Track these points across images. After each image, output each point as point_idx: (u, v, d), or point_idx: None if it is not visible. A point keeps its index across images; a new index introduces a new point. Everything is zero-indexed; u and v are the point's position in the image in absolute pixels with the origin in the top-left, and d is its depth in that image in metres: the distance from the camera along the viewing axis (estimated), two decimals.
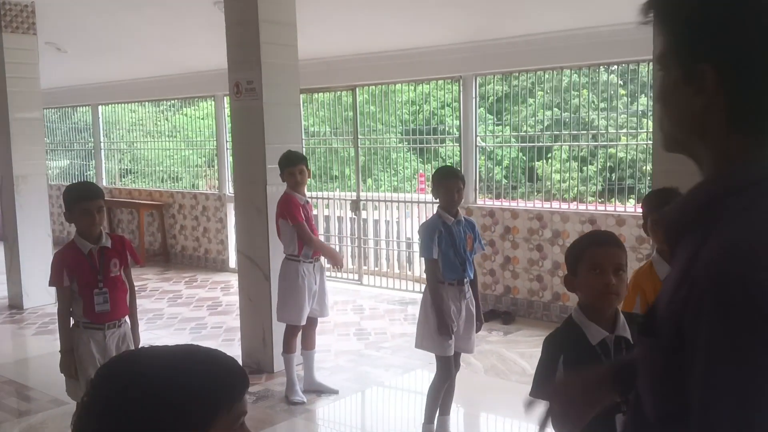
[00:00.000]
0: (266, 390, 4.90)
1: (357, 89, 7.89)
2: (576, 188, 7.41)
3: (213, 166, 10.55)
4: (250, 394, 4.83)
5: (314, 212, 5.47)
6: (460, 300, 3.78)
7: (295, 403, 4.62)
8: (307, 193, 4.96)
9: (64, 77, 10.25)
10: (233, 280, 8.71)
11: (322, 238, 8.04)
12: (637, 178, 6.71)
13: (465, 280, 3.78)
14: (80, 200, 3.50)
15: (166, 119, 11.27)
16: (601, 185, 7.01)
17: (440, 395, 3.90)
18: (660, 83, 1.16)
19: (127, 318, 3.76)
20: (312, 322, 4.83)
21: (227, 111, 9.38)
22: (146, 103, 10.85)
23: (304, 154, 4.98)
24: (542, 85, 7.05)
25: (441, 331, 3.72)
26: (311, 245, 4.64)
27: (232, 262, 9.25)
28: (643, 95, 6.90)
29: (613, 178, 6.88)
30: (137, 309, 3.90)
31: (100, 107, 11.16)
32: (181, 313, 7.11)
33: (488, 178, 7.47)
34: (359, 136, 8.00)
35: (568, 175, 8.24)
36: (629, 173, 6.85)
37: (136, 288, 3.93)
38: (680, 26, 1.09)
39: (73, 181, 10.97)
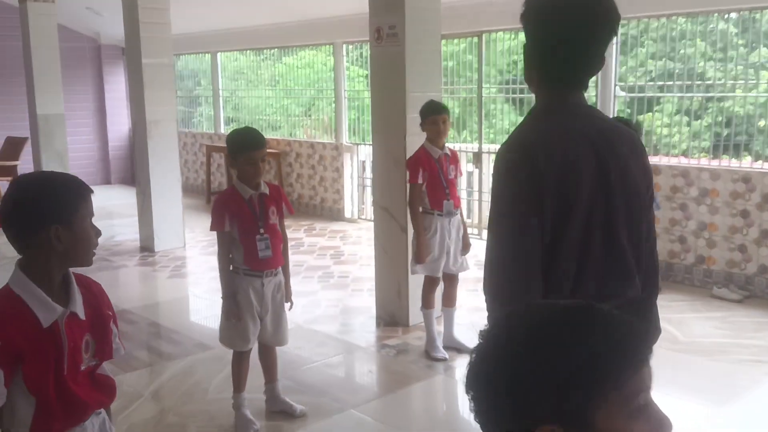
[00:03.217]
0: (405, 344, 4.84)
1: (484, 35, 7.57)
2: (685, 143, 6.96)
3: (310, 115, 10.58)
4: (389, 347, 4.82)
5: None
6: None
7: (436, 359, 4.54)
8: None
9: (185, 24, 10.36)
10: (350, 229, 8.73)
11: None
12: (751, 133, 6.24)
13: None
14: (246, 150, 3.47)
15: (274, 66, 11.30)
16: (712, 140, 6.51)
17: None
18: None
19: (280, 268, 3.74)
20: (452, 279, 4.70)
21: (346, 59, 9.28)
22: (248, 51, 10.92)
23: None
24: (650, 34, 6.59)
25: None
26: (410, 211, 4.51)
27: (348, 211, 9.26)
28: (762, 45, 6.33)
29: (725, 133, 6.34)
30: (289, 260, 3.87)
31: (219, 54, 11.26)
32: (306, 261, 7.15)
33: None
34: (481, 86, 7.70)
35: (676, 129, 7.79)
36: (744, 128, 6.31)
37: None
38: (522, 26, 1.80)
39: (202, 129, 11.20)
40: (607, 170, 1.73)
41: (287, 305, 3.77)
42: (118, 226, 9.08)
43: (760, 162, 5.94)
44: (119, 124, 12.71)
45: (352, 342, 4.94)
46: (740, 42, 7.01)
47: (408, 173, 4.55)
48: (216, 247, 3.67)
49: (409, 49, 4.91)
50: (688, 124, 7.16)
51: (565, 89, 1.80)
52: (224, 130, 11.43)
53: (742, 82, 6.16)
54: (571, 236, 1.70)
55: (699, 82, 6.35)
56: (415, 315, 5.06)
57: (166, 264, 7.19)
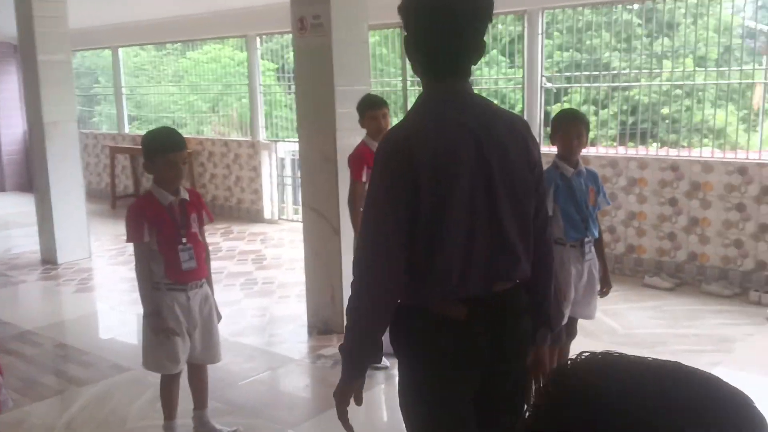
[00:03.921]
0: None
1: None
2: (593, 132, 7.09)
3: (217, 111, 10.20)
4: (324, 357, 4.51)
5: None
6: (582, 262, 3.38)
7: (376, 368, 4.27)
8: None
9: (81, 18, 9.65)
10: (271, 231, 8.35)
11: None
12: (655, 121, 6.53)
13: (587, 240, 3.37)
14: (165, 151, 3.10)
15: (177, 62, 10.75)
16: (618, 129, 6.61)
17: (553, 364, 3.53)
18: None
19: (204, 279, 3.40)
20: None
21: (260, 52, 8.87)
22: (149, 46, 10.39)
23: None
24: (558, 26, 6.73)
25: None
26: (351, 209, 4.24)
27: (267, 212, 8.87)
28: (662, 36, 6.51)
29: (630, 121, 6.47)
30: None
31: (120, 50, 10.58)
32: (226, 268, 6.73)
33: None
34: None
35: None
36: (647, 117, 6.51)
37: None
38: (404, 23, 1.86)
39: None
40: (486, 158, 1.80)
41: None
42: (16, 237, 8.37)
43: (687, 151, 5.99)
44: (13, 126, 11.79)
45: (284, 354, 4.60)
46: (643, 32, 7.14)
47: (350, 170, 4.24)
48: (128, 258, 3.28)
49: (335, 39, 4.61)
50: (596, 114, 7.23)
51: (445, 78, 1.85)
52: (128, 129, 10.78)
53: (646, 71, 6.26)
54: (454, 222, 1.79)
55: (605, 72, 6.41)
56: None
57: (71, 277, 6.60)
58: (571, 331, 3.56)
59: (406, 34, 1.87)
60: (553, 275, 2.07)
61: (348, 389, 1.89)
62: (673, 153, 6.07)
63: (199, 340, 3.32)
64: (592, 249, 3.42)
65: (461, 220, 1.79)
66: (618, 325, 4.90)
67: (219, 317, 3.44)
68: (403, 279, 1.82)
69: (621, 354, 0.71)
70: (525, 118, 6.59)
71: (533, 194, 1.92)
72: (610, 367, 0.69)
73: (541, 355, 2.04)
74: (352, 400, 1.91)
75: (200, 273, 3.29)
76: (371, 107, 4.15)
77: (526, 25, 6.40)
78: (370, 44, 5.68)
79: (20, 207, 9.88)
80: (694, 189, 5.68)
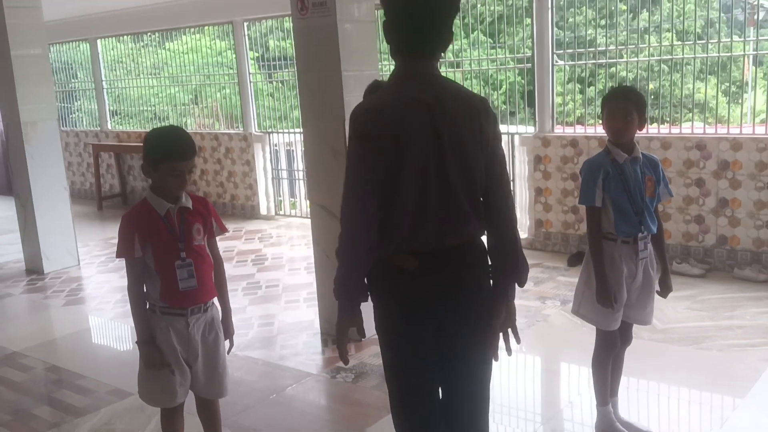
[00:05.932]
0: (362, 365, 4.15)
1: None
2: (578, 110, 6.79)
3: (197, 104, 9.80)
4: (345, 371, 4.13)
5: None
6: (635, 261, 3.00)
7: None
8: None
9: (56, 9, 9.11)
10: (268, 228, 7.94)
11: None
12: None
13: (642, 236, 2.99)
14: (170, 159, 2.66)
15: (156, 53, 10.25)
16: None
17: (607, 372, 3.18)
18: None
19: (214, 301, 2.97)
20: None
21: (247, 39, 8.40)
22: (125, 37, 9.92)
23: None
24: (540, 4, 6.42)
25: (601, 301, 2.96)
26: None
27: (263, 208, 8.45)
28: (644, 10, 6.19)
29: None
30: (228, 289, 3.09)
31: (99, 41, 10.05)
32: (226, 270, 6.29)
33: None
34: None
35: (569, 97, 7.65)
36: None
37: None
38: (384, 7, 2.13)
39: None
40: (437, 128, 2.05)
41: (226, 344, 3.00)
42: None
43: (715, 128, 5.63)
44: None
45: (299, 369, 4.20)
46: (623, 8, 6.96)
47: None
48: (120, 264, 2.82)
49: (340, 20, 4.19)
50: (581, 92, 6.97)
51: (413, 59, 2.09)
52: (111, 125, 10.28)
53: (630, 47, 6.00)
54: (408, 182, 2.05)
55: (586, 50, 6.17)
56: (369, 327, 4.39)
57: (60, 288, 6.17)
58: (625, 337, 3.20)
59: (384, 15, 2.11)
60: (515, 238, 2.20)
61: (342, 324, 2.17)
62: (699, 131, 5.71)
63: (201, 372, 2.89)
64: (648, 246, 3.05)
65: (414, 180, 2.05)
66: (655, 318, 4.53)
67: (230, 344, 3.02)
68: (376, 227, 2.07)
69: None
70: (536, 100, 6.23)
71: (481, 168, 2.13)
72: None
73: (510, 310, 2.22)
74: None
75: (203, 294, 2.85)
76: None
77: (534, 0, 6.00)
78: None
79: (2, 212, 9.39)
80: (722, 168, 5.34)
